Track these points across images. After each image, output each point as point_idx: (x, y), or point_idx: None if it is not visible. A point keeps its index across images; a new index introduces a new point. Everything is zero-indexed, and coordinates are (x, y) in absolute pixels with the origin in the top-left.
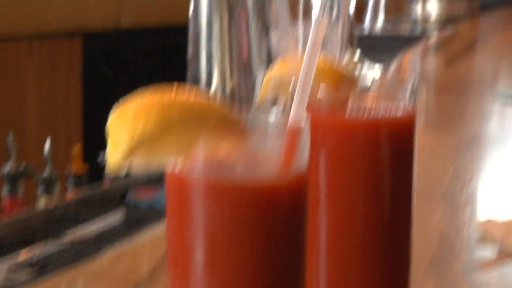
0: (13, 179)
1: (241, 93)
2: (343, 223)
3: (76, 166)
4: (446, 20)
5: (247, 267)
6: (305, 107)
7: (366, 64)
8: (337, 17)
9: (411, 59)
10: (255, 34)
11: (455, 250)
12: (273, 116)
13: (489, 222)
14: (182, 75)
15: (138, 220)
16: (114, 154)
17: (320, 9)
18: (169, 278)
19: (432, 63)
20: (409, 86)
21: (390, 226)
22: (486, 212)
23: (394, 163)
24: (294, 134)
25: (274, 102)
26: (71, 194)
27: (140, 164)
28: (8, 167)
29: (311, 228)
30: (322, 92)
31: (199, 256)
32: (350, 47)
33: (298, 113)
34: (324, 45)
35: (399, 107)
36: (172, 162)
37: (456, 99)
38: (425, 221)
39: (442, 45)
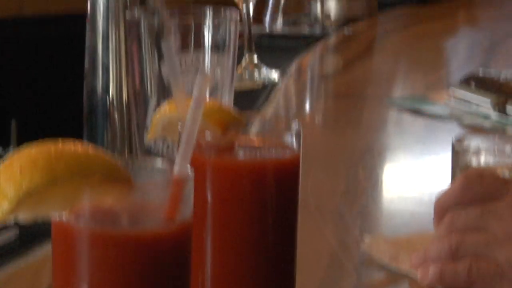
0: None
1: (134, 118)
2: (228, 261)
3: None
4: (345, 19)
5: None
6: (189, 157)
7: (264, 68)
8: (226, 48)
9: (309, 61)
10: (148, 62)
11: (343, 271)
12: (158, 163)
13: (378, 240)
14: (81, 65)
15: (32, 236)
16: (1, 205)
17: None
18: None
19: (330, 64)
20: (295, 127)
21: (274, 261)
22: (376, 230)
23: (278, 202)
24: (178, 184)
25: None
26: None
27: (26, 217)
28: None
29: (196, 270)
30: (209, 134)
31: None
32: (249, 52)
33: (182, 163)
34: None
35: (284, 148)
36: (59, 213)
37: (353, 104)
38: (315, 240)
39: (341, 45)
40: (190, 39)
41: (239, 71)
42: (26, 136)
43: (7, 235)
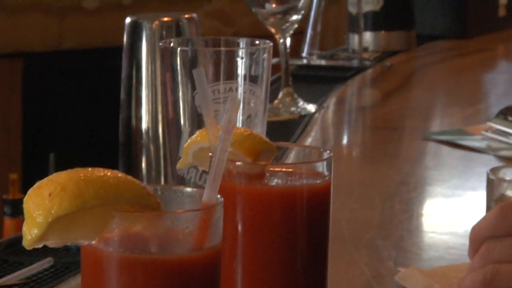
0: None
1: (168, 147)
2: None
3: (14, 191)
4: (384, 52)
5: None
6: (218, 185)
7: (301, 100)
8: (260, 78)
9: (347, 94)
10: (182, 91)
11: None
12: (188, 191)
13: (412, 272)
14: (117, 97)
15: (68, 263)
16: (30, 231)
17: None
18: None
19: (368, 96)
20: (326, 154)
21: None
22: (410, 262)
23: (309, 230)
24: (207, 211)
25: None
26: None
27: (55, 242)
28: None
29: None
30: (240, 161)
31: None
32: (286, 83)
33: (211, 191)
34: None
35: (315, 175)
36: (88, 238)
37: (390, 136)
38: (350, 271)
39: (378, 77)
40: (223, 69)
41: (276, 102)
42: (64, 168)
43: (42, 264)
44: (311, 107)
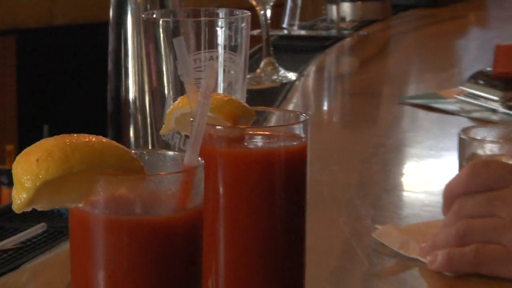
0: None
1: (152, 116)
2: (239, 246)
3: (10, 162)
4: (360, 22)
5: None
6: (199, 148)
7: (282, 70)
8: (239, 46)
9: (326, 62)
10: (165, 61)
11: (355, 259)
12: (170, 154)
13: (389, 229)
14: (105, 69)
15: (61, 228)
16: (19, 195)
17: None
18: None
19: (346, 64)
20: (302, 117)
21: (283, 247)
22: (387, 220)
23: (287, 190)
24: (189, 173)
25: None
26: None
27: (44, 206)
28: None
29: (208, 254)
30: (220, 125)
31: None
32: (267, 54)
33: (192, 154)
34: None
35: (292, 137)
36: (75, 201)
37: (368, 102)
38: (329, 229)
39: (356, 46)
40: (204, 38)
41: (258, 71)
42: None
43: (36, 229)
44: (292, 75)
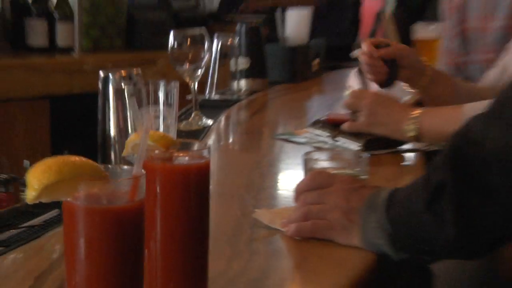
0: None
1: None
2: (167, 231)
3: None
4: (251, 91)
5: (110, 263)
6: (142, 164)
7: (204, 118)
8: (173, 103)
9: (231, 114)
10: (128, 112)
11: (243, 229)
12: (125, 168)
13: (263, 212)
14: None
15: None
16: (30, 194)
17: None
18: (66, 271)
19: (243, 115)
20: (206, 146)
21: (195, 225)
22: (263, 206)
23: (197, 190)
24: (136, 179)
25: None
26: None
27: (46, 200)
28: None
29: (149, 236)
30: (157, 150)
31: (81, 256)
32: (195, 109)
33: (138, 167)
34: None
35: (201, 158)
36: (66, 196)
37: (254, 137)
38: (227, 212)
39: (248, 105)
40: (151, 98)
41: (190, 120)
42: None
43: (52, 213)
44: (210, 122)
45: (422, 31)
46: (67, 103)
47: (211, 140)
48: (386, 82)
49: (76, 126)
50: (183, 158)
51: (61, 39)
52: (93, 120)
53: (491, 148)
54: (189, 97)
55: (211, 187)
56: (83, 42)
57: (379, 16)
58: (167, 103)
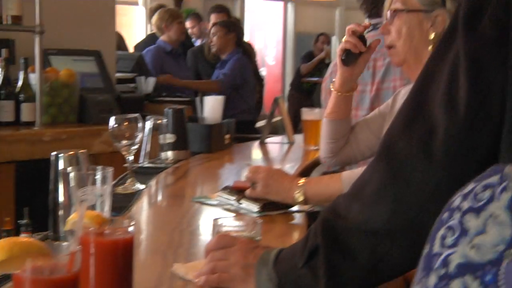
0: None
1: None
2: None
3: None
4: (176, 160)
5: None
6: (78, 239)
7: (137, 183)
8: (107, 182)
9: (159, 179)
10: (70, 193)
11: (163, 281)
12: (64, 244)
13: (180, 265)
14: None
15: None
16: None
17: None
18: None
19: (169, 180)
20: (131, 223)
21: (122, 279)
22: (182, 261)
23: (124, 256)
24: (72, 254)
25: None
26: None
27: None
28: None
29: None
30: (91, 227)
31: None
32: (130, 175)
33: (74, 243)
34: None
35: (126, 232)
36: (16, 270)
37: (176, 199)
38: (153, 265)
39: (173, 172)
40: (89, 180)
41: (126, 184)
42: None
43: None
44: (143, 186)
45: (309, 113)
46: (29, 167)
47: (141, 203)
48: (350, 59)
49: (37, 187)
50: (112, 233)
51: (25, 116)
52: (45, 190)
53: (352, 221)
54: (125, 165)
55: (139, 244)
56: (43, 118)
57: (276, 100)
58: (103, 183)
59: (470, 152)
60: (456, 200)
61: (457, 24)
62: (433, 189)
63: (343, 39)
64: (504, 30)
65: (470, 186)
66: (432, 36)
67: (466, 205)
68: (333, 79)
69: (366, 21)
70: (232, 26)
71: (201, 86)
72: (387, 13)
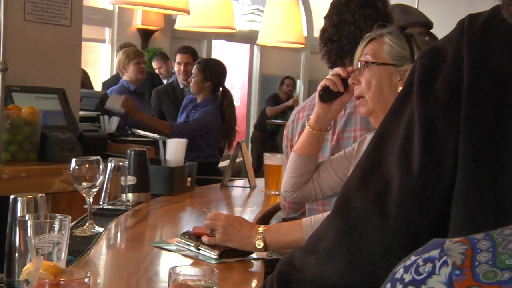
0: None
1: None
2: None
3: None
4: (136, 202)
5: None
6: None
7: (96, 227)
8: (66, 230)
9: (120, 221)
10: (28, 241)
11: None
12: None
13: None
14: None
15: None
16: None
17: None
18: None
19: (128, 223)
20: (87, 275)
21: None
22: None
23: None
24: None
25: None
26: None
27: None
28: None
29: None
30: (46, 278)
31: None
32: (90, 218)
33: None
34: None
35: (82, 284)
36: None
37: (135, 243)
38: None
39: (134, 214)
40: (47, 230)
41: (84, 227)
42: None
43: None
44: (101, 229)
45: (271, 158)
46: None
47: (99, 246)
48: (327, 97)
49: None
50: (68, 285)
51: None
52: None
53: (308, 275)
54: (85, 206)
55: None
56: (3, 155)
57: (239, 144)
58: (60, 231)
59: (424, 209)
60: (399, 271)
61: (413, 84)
62: (387, 244)
63: (326, 77)
64: (456, 94)
65: (412, 258)
66: (400, 89)
67: (407, 277)
68: (309, 116)
69: (337, 69)
70: (209, 74)
71: (155, 124)
72: (357, 64)
